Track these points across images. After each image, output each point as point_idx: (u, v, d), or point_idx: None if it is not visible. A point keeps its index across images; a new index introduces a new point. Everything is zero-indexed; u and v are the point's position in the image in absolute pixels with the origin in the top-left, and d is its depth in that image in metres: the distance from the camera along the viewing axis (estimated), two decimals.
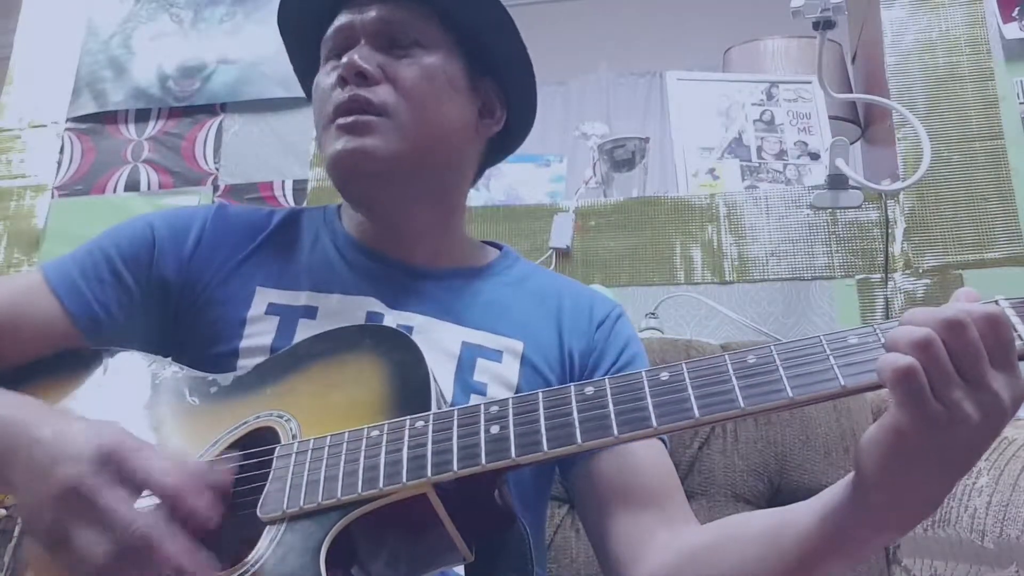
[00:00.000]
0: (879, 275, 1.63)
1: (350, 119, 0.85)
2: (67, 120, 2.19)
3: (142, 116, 2.16)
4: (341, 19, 0.91)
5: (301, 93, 2.25)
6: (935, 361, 0.54)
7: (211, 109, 2.12)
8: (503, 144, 1.01)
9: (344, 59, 0.87)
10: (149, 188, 2.09)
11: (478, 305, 0.91)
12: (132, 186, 2.10)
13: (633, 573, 0.79)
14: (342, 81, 0.87)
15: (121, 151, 2.14)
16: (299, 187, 2.01)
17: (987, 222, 1.60)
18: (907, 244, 1.62)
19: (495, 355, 0.88)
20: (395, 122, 0.86)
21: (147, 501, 0.61)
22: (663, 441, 0.89)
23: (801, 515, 0.66)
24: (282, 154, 2.05)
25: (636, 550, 0.80)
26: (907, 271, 1.61)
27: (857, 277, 1.64)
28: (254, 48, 2.13)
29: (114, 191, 2.10)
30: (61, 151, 2.17)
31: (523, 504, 0.71)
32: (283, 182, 2.03)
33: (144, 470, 0.61)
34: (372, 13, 0.90)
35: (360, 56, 0.87)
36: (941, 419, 0.54)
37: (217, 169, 2.07)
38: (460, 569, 0.71)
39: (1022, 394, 0.56)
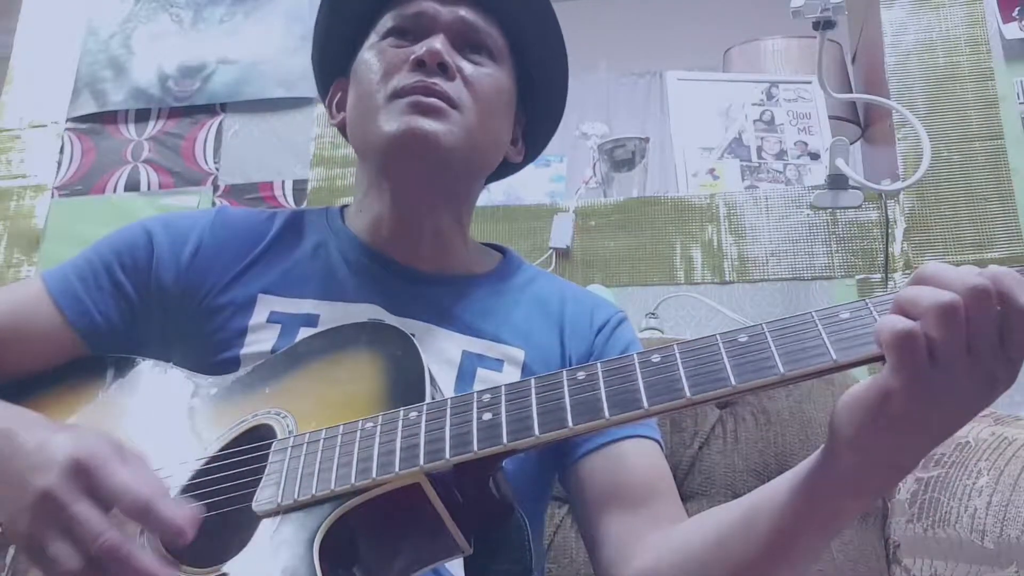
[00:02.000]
0: (879, 275, 1.62)
1: (429, 100, 0.85)
2: (67, 120, 2.19)
3: (142, 116, 2.15)
4: (421, 3, 0.91)
5: (301, 93, 2.24)
6: (954, 328, 0.52)
7: (211, 109, 2.12)
8: (499, 170, 1.02)
9: (424, 45, 0.87)
10: (149, 188, 2.09)
11: (480, 312, 0.91)
12: (132, 186, 2.10)
13: (621, 573, 0.79)
14: (417, 65, 0.86)
15: (121, 151, 2.13)
16: (299, 187, 2.01)
17: (987, 222, 1.60)
18: (907, 244, 1.62)
19: (496, 364, 0.88)
20: (464, 119, 0.87)
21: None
22: (659, 444, 0.88)
23: (774, 490, 0.66)
24: (282, 154, 2.04)
25: (625, 550, 0.80)
26: (907, 271, 1.61)
27: (857, 277, 1.64)
28: (254, 48, 2.13)
29: (114, 191, 2.10)
30: (61, 151, 2.16)
31: (523, 506, 0.70)
32: (283, 182, 2.02)
33: (113, 482, 0.60)
34: (458, 11, 0.91)
35: (443, 48, 0.87)
36: (935, 387, 0.53)
37: (217, 169, 2.07)
38: (459, 563, 0.72)
39: (1014, 378, 0.54)
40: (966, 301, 0.52)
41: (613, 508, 0.83)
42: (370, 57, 0.91)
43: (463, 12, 0.91)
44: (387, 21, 0.92)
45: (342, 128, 0.98)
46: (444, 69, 0.87)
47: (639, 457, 0.85)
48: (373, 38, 0.93)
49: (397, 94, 0.86)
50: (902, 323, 0.53)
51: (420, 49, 0.87)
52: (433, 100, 0.85)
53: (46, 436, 0.64)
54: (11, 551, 0.69)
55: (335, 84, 1.00)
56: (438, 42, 0.87)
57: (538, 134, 1.03)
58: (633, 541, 0.80)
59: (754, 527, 0.67)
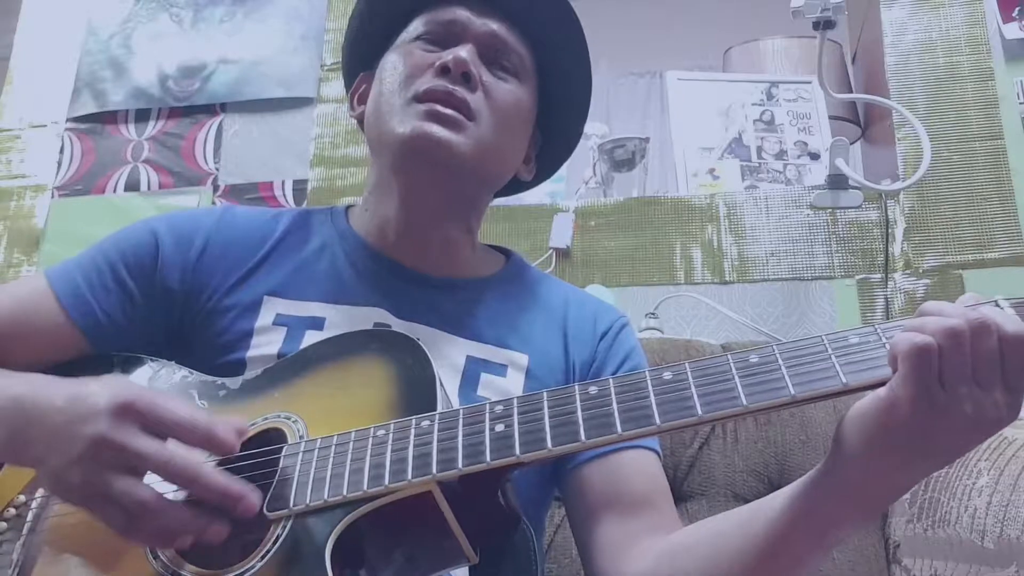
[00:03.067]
0: (879, 275, 1.63)
1: (448, 111, 0.85)
2: (67, 120, 2.19)
3: (142, 116, 2.15)
4: (455, 12, 0.91)
5: (301, 93, 2.23)
6: (959, 351, 0.54)
7: (211, 109, 2.12)
8: (509, 187, 1.02)
9: (451, 53, 0.87)
10: (149, 188, 2.09)
11: (485, 317, 0.91)
12: (132, 186, 2.10)
13: None
14: (442, 71, 0.87)
15: (121, 151, 2.13)
16: (299, 187, 2.01)
17: (987, 222, 1.60)
18: (907, 244, 1.63)
19: (500, 369, 0.88)
20: (478, 130, 0.87)
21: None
22: (656, 453, 0.89)
23: (773, 500, 0.67)
24: (282, 154, 2.04)
25: (619, 556, 0.80)
26: (907, 271, 1.61)
27: (857, 277, 1.64)
28: (254, 48, 2.13)
29: (114, 191, 2.10)
30: (61, 151, 2.16)
31: (526, 512, 0.71)
32: (283, 182, 2.02)
33: (168, 416, 0.63)
34: (491, 25, 0.91)
35: (470, 59, 0.87)
36: (939, 405, 0.55)
37: (217, 169, 2.07)
38: (464, 572, 0.72)
39: (1016, 413, 0.56)
40: (970, 328, 0.55)
41: (609, 515, 0.83)
42: (396, 57, 0.92)
43: (495, 26, 0.91)
44: (419, 24, 0.93)
45: (360, 121, 0.98)
46: (467, 79, 0.87)
47: (638, 467, 0.86)
48: (403, 38, 0.93)
49: (417, 97, 0.87)
50: (920, 337, 0.55)
51: (447, 56, 0.87)
52: (450, 111, 0.86)
53: (77, 390, 0.65)
54: (18, 546, 0.69)
55: (360, 76, 1.00)
56: (465, 51, 0.87)
57: (552, 155, 1.03)
58: (627, 547, 0.80)
59: (750, 532, 0.68)
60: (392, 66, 0.91)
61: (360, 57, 1.00)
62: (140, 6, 2.25)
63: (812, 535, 0.65)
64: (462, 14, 0.91)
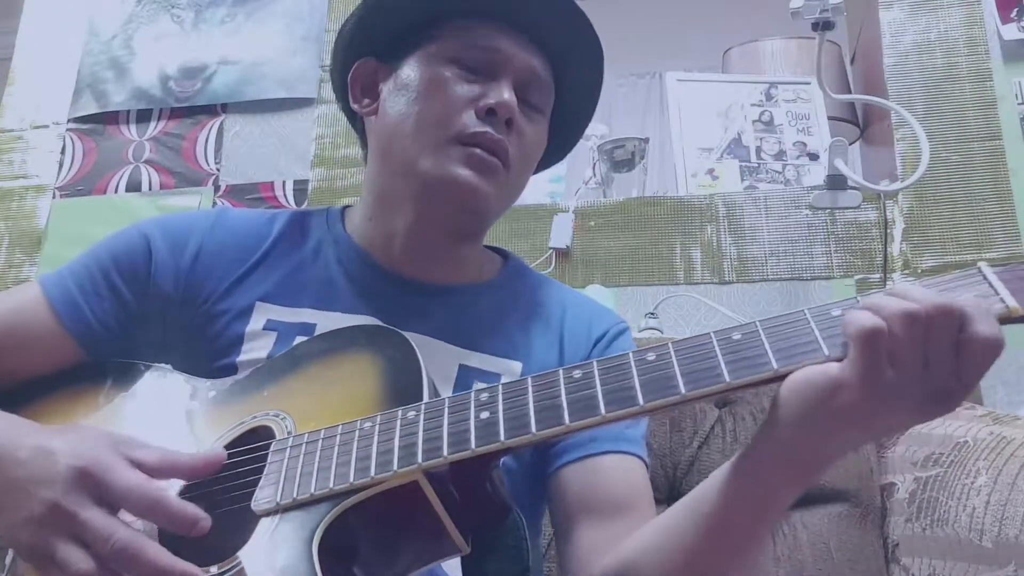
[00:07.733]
0: (878, 275, 1.62)
1: (492, 160, 0.85)
2: (68, 121, 2.19)
3: (143, 117, 2.16)
4: (496, 40, 0.88)
5: (302, 94, 2.23)
6: (912, 335, 0.54)
7: (212, 110, 2.12)
8: None
9: (495, 96, 0.85)
10: (150, 188, 2.09)
11: (479, 324, 0.91)
12: (133, 187, 2.10)
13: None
14: (487, 112, 0.85)
15: (122, 151, 2.14)
16: (299, 187, 2.01)
17: (985, 222, 1.60)
18: (906, 244, 1.62)
19: (493, 378, 0.87)
20: (510, 177, 0.88)
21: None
22: (641, 459, 0.88)
23: (715, 477, 0.67)
24: (283, 154, 2.05)
25: (591, 558, 0.80)
26: (906, 271, 1.61)
27: (856, 277, 1.64)
28: (255, 49, 2.13)
29: (115, 191, 2.10)
30: (62, 152, 2.17)
31: (519, 507, 0.71)
32: (284, 182, 2.03)
33: (119, 486, 0.62)
34: (532, 61, 0.89)
35: (513, 102, 0.86)
36: (887, 386, 0.55)
37: (218, 169, 2.07)
38: (456, 563, 0.72)
39: (970, 389, 0.56)
40: (928, 312, 0.54)
41: (584, 519, 0.83)
42: (429, 76, 0.88)
43: (535, 63, 0.90)
44: (455, 46, 0.88)
45: (365, 114, 0.94)
46: (509, 124, 0.86)
47: (618, 471, 0.85)
48: (434, 49, 0.89)
49: (461, 139, 0.85)
50: (870, 319, 0.54)
51: (491, 99, 0.85)
52: (494, 161, 0.85)
53: (42, 443, 0.65)
54: (11, 553, 0.69)
55: (361, 64, 0.95)
56: (508, 92, 0.86)
57: (547, 155, 1.01)
58: (598, 551, 0.79)
59: (699, 510, 0.68)
60: (426, 86, 0.88)
61: (366, 40, 0.94)
62: (141, 7, 2.25)
63: (755, 504, 0.65)
64: (505, 44, 0.88)
